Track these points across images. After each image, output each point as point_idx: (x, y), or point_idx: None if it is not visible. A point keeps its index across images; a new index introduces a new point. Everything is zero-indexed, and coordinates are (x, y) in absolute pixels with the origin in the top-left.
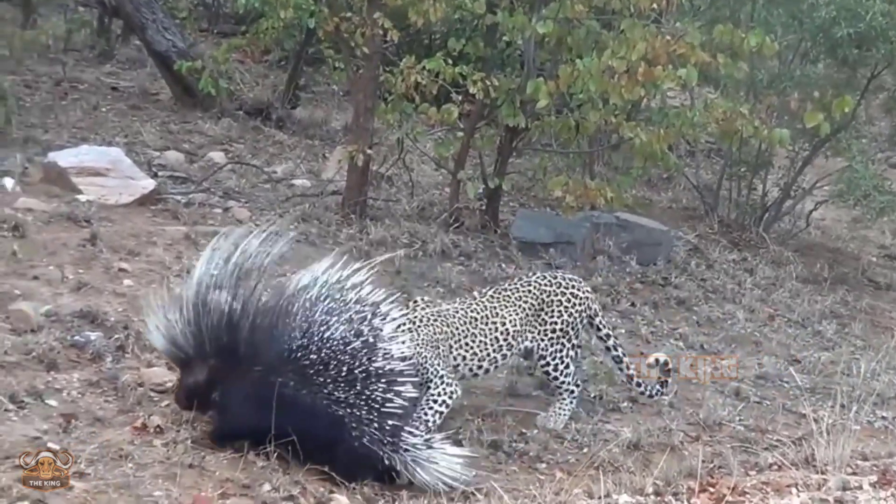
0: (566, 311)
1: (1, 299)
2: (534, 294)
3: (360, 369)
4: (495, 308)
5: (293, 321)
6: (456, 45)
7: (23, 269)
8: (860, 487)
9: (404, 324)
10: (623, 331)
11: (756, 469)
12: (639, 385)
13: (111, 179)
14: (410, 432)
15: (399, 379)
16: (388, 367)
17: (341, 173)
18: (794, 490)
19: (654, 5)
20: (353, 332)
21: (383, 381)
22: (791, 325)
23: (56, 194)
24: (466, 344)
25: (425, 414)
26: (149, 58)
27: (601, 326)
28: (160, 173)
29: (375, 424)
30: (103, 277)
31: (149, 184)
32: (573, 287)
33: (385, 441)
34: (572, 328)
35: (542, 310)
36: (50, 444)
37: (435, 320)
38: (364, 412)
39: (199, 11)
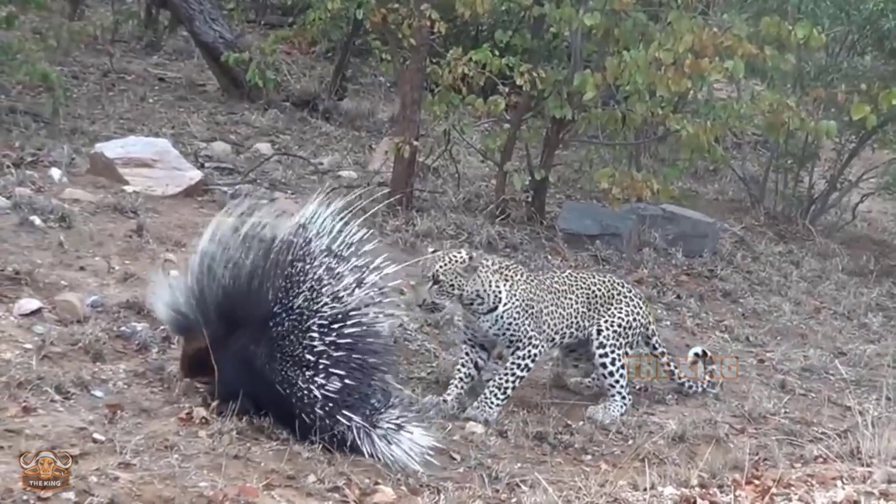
0: (632, 314)
1: (48, 290)
2: (606, 286)
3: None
4: (572, 286)
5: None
6: (503, 37)
7: (69, 260)
8: None
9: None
10: (668, 323)
11: (801, 461)
12: (690, 388)
13: (158, 170)
14: (381, 408)
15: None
16: (361, 332)
17: (388, 165)
18: (839, 483)
19: None
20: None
21: (357, 348)
22: (837, 317)
23: (103, 185)
24: (552, 312)
25: (508, 378)
26: (196, 49)
27: (657, 346)
28: (207, 164)
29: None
30: (149, 268)
31: (195, 175)
32: (640, 297)
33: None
34: (633, 332)
35: (611, 303)
36: (95, 435)
37: (529, 282)
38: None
39: (246, 2)
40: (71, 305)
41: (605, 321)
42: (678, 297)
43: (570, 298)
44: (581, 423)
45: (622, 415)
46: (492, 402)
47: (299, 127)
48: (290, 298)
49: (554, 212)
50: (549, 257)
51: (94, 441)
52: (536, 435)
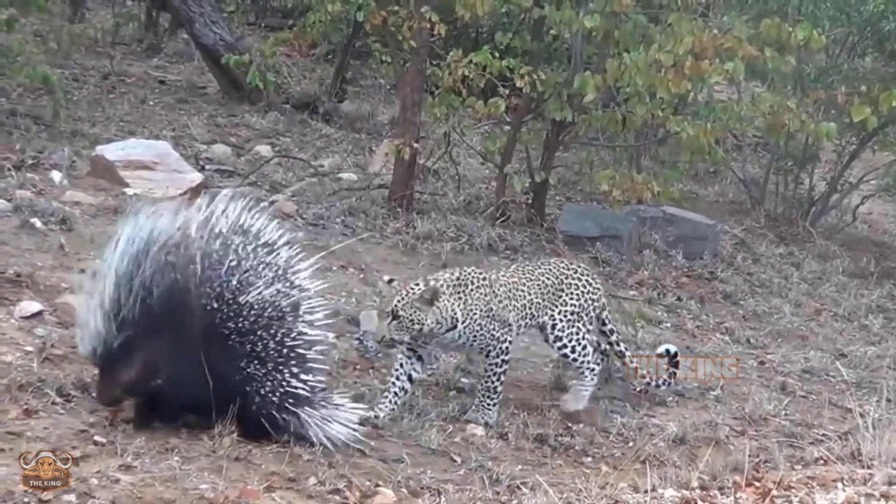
0: (584, 296)
1: (48, 292)
2: (555, 273)
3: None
4: (522, 280)
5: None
6: (503, 39)
7: (70, 263)
8: None
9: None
10: (669, 325)
11: (802, 463)
12: (643, 376)
13: (158, 173)
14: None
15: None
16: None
17: (388, 167)
18: (839, 485)
19: None
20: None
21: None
22: (837, 319)
23: (103, 188)
24: (507, 306)
25: (492, 380)
26: (196, 51)
27: (606, 321)
28: (207, 167)
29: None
30: None
31: (196, 177)
32: (590, 276)
33: (284, 402)
34: (586, 313)
35: (562, 291)
36: (96, 438)
37: (482, 287)
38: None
39: (246, 5)
40: (72, 308)
41: (558, 311)
42: (678, 299)
43: (522, 291)
44: (581, 425)
45: (593, 385)
46: (487, 405)
47: (300, 129)
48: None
49: (554, 214)
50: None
51: (95, 443)
52: (537, 437)
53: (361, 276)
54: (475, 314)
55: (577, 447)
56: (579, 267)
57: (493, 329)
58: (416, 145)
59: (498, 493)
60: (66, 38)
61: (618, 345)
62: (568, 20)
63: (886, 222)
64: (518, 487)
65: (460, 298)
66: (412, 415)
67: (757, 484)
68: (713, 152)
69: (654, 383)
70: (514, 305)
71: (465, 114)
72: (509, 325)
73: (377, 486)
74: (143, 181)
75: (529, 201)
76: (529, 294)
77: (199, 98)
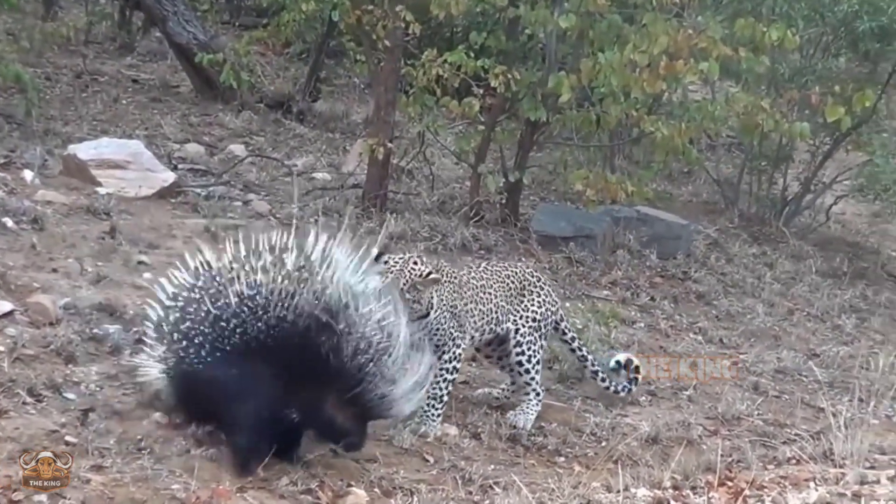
0: (544, 304)
1: (20, 292)
2: (518, 277)
3: None
4: (489, 281)
5: None
6: (477, 39)
7: (42, 262)
8: (878, 482)
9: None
10: (643, 325)
11: (774, 463)
12: (604, 381)
13: (131, 172)
14: None
15: None
16: None
17: (362, 167)
18: (812, 484)
19: None
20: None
21: None
22: (810, 319)
23: (76, 187)
24: (472, 310)
25: (441, 386)
26: (170, 50)
27: (567, 330)
28: (180, 166)
29: None
30: (122, 270)
31: (169, 176)
32: (548, 284)
33: None
34: (545, 324)
35: (524, 296)
36: (68, 438)
37: (452, 282)
38: None
39: (220, 4)
40: (43, 307)
41: (521, 316)
42: (652, 299)
43: (489, 293)
44: (554, 425)
45: (538, 412)
46: (432, 415)
47: (273, 128)
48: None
49: (528, 213)
50: (524, 259)
51: (67, 443)
52: (510, 437)
53: None
54: (444, 307)
55: (549, 447)
56: (540, 275)
57: (453, 328)
58: (390, 145)
59: (471, 492)
60: (38, 37)
61: (580, 350)
62: (543, 20)
63: (859, 222)
64: (491, 487)
65: (437, 287)
66: None
67: (729, 483)
68: (687, 152)
69: (612, 389)
70: (480, 310)
71: (440, 113)
72: (464, 331)
73: (349, 486)
74: (115, 180)
75: (503, 201)
76: (496, 298)
77: (173, 97)
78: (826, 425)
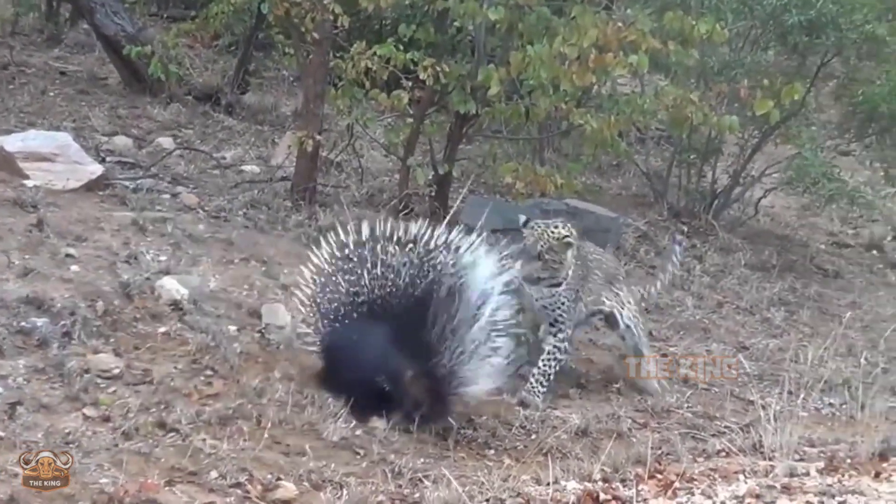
0: None
1: None
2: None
3: None
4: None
5: None
6: (406, 31)
7: None
8: (807, 474)
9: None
10: None
11: (704, 455)
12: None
13: (58, 164)
14: None
15: None
16: None
17: (290, 159)
18: (741, 476)
19: None
20: None
21: None
22: (740, 312)
23: (2, 179)
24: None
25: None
26: (97, 42)
27: None
28: (108, 158)
29: None
30: (50, 263)
31: (96, 169)
32: None
33: None
34: None
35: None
36: None
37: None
38: None
39: None
40: None
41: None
42: None
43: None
44: (484, 417)
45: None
46: (538, 390)
47: (202, 121)
48: None
49: (458, 206)
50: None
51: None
52: (439, 430)
53: (264, 268)
54: (572, 285)
55: (479, 440)
56: None
57: (572, 309)
58: (318, 137)
59: (400, 486)
60: None
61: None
62: (472, 12)
63: (788, 215)
64: (420, 480)
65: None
66: (314, 407)
67: (659, 476)
68: (616, 145)
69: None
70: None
71: (369, 106)
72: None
73: (279, 479)
74: (42, 173)
75: (432, 194)
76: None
77: (101, 89)
78: (755, 418)
